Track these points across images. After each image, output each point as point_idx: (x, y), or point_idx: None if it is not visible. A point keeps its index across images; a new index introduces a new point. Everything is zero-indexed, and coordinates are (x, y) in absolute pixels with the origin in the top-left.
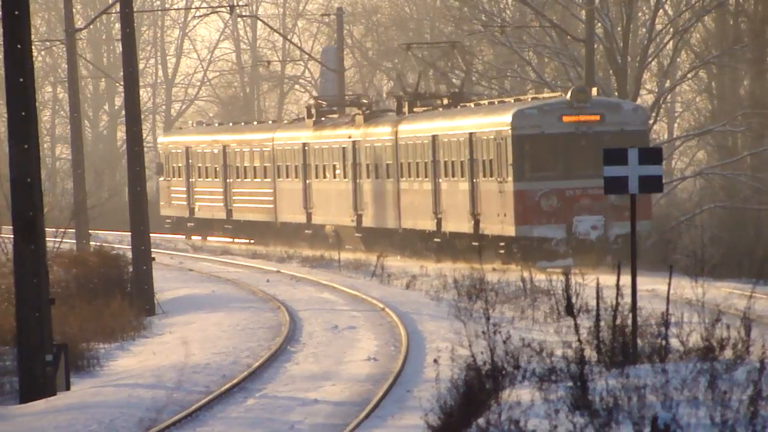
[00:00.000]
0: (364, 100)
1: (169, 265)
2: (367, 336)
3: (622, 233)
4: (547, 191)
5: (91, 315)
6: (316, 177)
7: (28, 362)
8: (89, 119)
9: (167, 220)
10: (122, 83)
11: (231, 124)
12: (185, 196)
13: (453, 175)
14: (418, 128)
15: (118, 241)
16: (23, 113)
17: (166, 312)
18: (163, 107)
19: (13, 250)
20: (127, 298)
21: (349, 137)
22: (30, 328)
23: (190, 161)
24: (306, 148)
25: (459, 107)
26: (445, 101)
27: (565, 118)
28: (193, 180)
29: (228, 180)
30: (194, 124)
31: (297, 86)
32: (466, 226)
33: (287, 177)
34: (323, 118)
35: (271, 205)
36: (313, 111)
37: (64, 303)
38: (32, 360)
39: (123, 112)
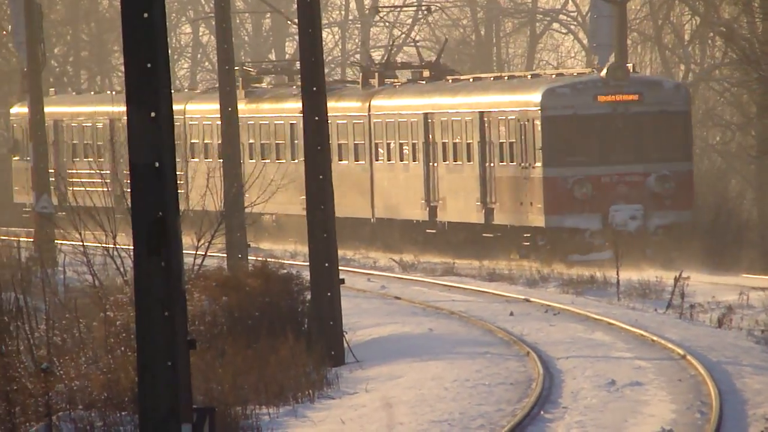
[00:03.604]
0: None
1: (366, 291)
2: (660, 397)
3: (663, 224)
4: (581, 178)
5: (249, 364)
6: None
7: None
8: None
9: (24, 209)
10: (296, 21)
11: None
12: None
13: (455, 159)
14: (401, 104)
15: (289, 256)
16: (148, 65)
17: (360, 360)
18: (357, 56)
19: (133, 268)
20: (304, 339)
21: (301, 112)
22: (158, 386)
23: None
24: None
25: (451, 81)
26: (426, 74)
27: (601, 98)
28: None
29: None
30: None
31: (555, 25)
32: (473, 216)
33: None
34: (253, 87)
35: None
36: (240, 78)
37: (209, 347)
38: (160, 430)
39: (297, 64)
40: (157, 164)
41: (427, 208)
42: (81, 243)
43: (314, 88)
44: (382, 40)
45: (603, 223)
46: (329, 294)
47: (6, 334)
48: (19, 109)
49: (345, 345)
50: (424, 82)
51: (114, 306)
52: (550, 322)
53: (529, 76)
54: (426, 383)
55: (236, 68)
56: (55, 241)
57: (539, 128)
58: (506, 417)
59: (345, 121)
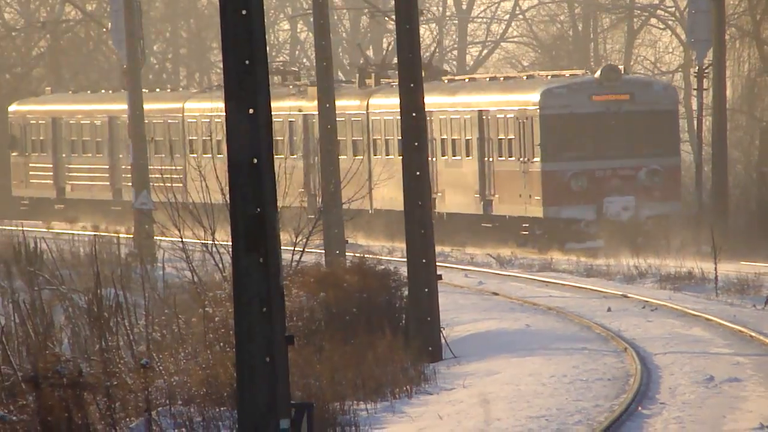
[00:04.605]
0: (294, 68)
1: (463, 286)
2: (758, 393)
3: (653, 214)
4: (577, 172)
5: (347, 360)
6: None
7: (254, 430)
8: (343, 69)
9: (22, 202)
10: (393, 17)
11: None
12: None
13: (454, 154)
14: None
15: (387, 252)
16: (246, 62)
17: (457, 356)
18: (455, 52)
19: (232, 264)
20: (401, 335)
21: (300, 110)
22: (256, 381)
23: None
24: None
25: (447, 81)
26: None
27: (595, 98)
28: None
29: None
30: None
31: (653, 21)
32: (472, 207)
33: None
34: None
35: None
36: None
37: (307, 343)
38: (259, 427)
39: (395, 59)
40: (255, 161)
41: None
42: (180, 239)
43: (411, 85)
44: (479, 36)
45: (597, 213)
46: (427, 290)
47: (106, 330)
48: (17, 107)
49: (442, 341)
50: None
51: (213, 302)
52: (647, 317)
53: (525, 78)
54: (523, 379)
55: None
56: (155, 238)
57: (538, 126)
58: (604, 413)
59: (343, 119)
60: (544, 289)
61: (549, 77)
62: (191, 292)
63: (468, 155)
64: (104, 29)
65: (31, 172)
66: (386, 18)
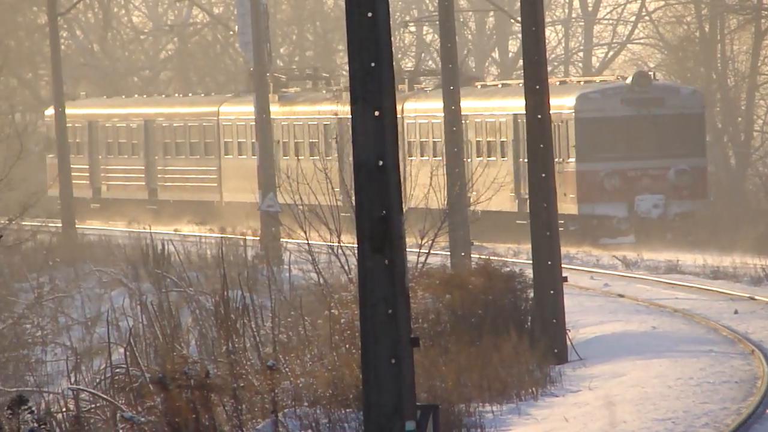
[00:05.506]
0: (324, 74)
1: (588, 288)
2: None
3: (681, 211)
4: (610, 172)
5: (472, 362)
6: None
7: (379, 431)
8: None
9: (58, 202)
10: (519, 19)
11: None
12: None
13: (490, 155)
14: (432, 107)
15: (512, 254)
16: (372, 64)
17: (583, 358)
18: (580, 54)
19: (358, 266)
20: (526, 337)
21: (335, 114)
22: (382, 383)
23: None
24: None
25: (479, 87)
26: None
27: (627, 102)
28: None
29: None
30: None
31: None
32: (507, 205)
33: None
34: (284, 92)
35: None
36: (271, 84)
37: (433, 345)
38: (385, 428)
39: (520, 61)
40: (380, 163)
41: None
42: (306, 241)
43: (537, 87)
44: (604, 38)
45: (629, 211)
46: (552, 292)
47: (233, 332)
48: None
49: (568, 343)
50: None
51: (338, 304)
52: None
53: (558, 83)
54: (649, 381)
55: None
56: (281, 240)
57: (573, 128)
58: (731, 415)
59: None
60: (670, 291)
61: (583, 83)
62: (317, 293)
63: (503, 156)
64: (231, 32)
65: None
66: (512, 20)
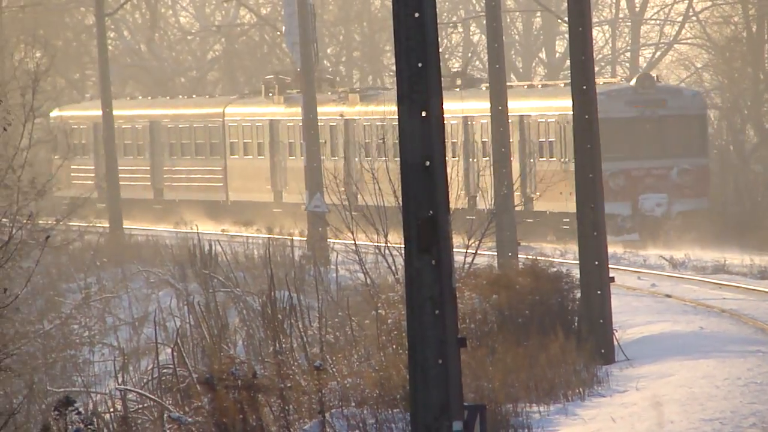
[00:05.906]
0: (328, 76)
1: (635, 289)
2: None
3: (683, 210)
4: (615, 171)
5: (519, 362)
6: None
7: (426, 431)
8: (516, 72)
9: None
10: (566, 20)
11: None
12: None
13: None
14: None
15: (559, 254)
16: (419, 64)
17: (630, 358)
18: (627, 54)
19: (404, 267)
20: (573, 337)
21: (341, 115)
22: (429, 383)
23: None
24: (273, 125)
25: (485, 89)
26: (458, 82)
27: (631, 104)
28: None
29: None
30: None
31: None
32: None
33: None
34: (289, 93)
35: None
36: (276, 85)
37: (480, 345)
38: (432, 428)
39: (567, 61)
40: (427, 163)
41: (468, 199)
42: (353, 241)
43: (584, 87)
44: (651, 38)
45: (633, 209)
46: (599, 292)
47: (280, 332)
48: (59, 113)
49: (615, 343)
50: (458, 89)
51: (385, 304)
52: None
53: (563, 85)
54: (697, 381)
55: (271, 77)
56: (328, 240)
57: None
58: None
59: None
60: (718, 291)
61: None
62: (364, 294)
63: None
64: (278, 32)
65: (72, 174)
66: (559, 20)
